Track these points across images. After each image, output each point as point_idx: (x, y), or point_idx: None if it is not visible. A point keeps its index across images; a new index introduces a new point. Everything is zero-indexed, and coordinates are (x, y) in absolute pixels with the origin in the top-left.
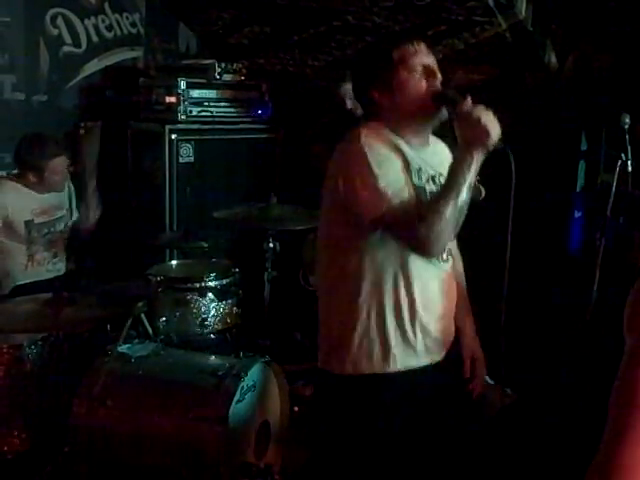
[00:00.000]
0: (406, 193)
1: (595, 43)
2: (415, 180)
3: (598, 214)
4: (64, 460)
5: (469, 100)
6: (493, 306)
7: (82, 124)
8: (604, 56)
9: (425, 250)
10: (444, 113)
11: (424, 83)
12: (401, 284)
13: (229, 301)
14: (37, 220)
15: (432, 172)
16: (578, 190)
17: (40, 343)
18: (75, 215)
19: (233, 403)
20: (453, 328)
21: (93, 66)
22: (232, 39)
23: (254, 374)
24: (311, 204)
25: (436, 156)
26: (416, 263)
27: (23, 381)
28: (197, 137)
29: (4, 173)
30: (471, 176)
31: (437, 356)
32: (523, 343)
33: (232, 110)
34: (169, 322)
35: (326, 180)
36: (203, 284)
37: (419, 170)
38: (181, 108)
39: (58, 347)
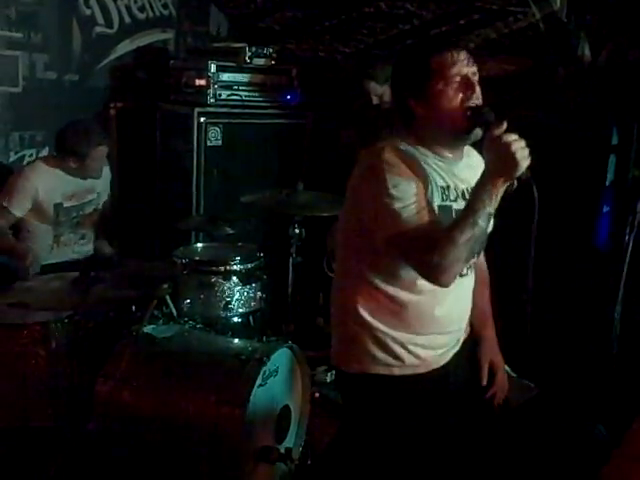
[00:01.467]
0: (421, 218)
1: (630, 36)
2: (438, 200)
3: (627, 209)
4: (86, 437)
5: (504, 125)
6: (519, 299)
7: (112, 104)
8: (639, 49)
9: (434, 279)
10: (478, 132)
11: (460, 96)
12: (413, 294)
13: (253, 285)
14: (66, 204)
15: (462, 187)
16: (607, 185)
17: (66, 321)
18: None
19: (255, 387)
20: (466, 328)
21: (124, 47)
22: (263, 23)
23: (277, 359)
24: (338, 191)
25: (470, 169)
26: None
27: (48, 358)
28: (226, 121)
29: (34, 151)
30: (492, 206)
31: (447, 356)
32: (548, 337)
33: (261, 94)
34: (193, 304)
35: (348, 187)
36: (228, 268)
37: (447, 188)
38: (211, 91)
39: (83, 326)
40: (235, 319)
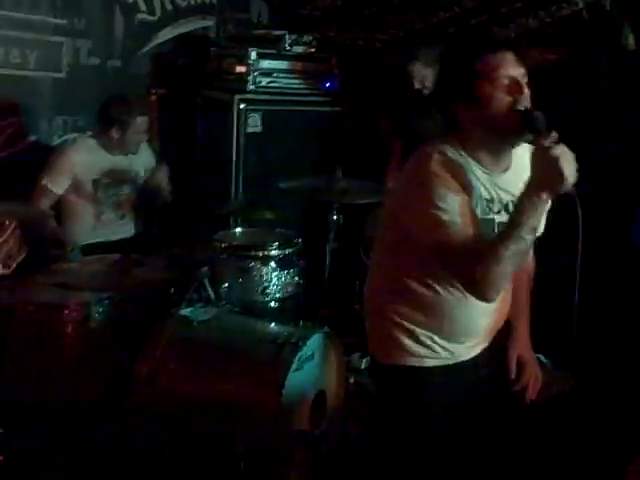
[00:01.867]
0: (467, 231)
1: None
2: (481, 213)
3: None
4: (124, 418)
5: (554, 135)
6: (564, 297)
7: (154, 91)
8: None
9: (479, 294)
10: (528, 136)
11: (509, 98)
12: (447, 293)
13: (291, 270)
14: (104, 180)
15: (507, 199)
16: None
17: (106, 302)
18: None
19: (290, 371)
20: (498, 327)
21: (166, 34)
22: (304, 10)
23: (312, 344)
24: (375, 178)
25: (516, 176)
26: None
27: (88, 338)
28: (265, 107)
29: (77, 135)
30: (536, 218)
31: (479, 348)
32: (593, 336)
33: (301, 82)
34: (231, 288)
35: (397, 185)
36: (266, 253)
37: (490, 200)
38: (251, 78)
39: (123, 307)
40: (272, 304)
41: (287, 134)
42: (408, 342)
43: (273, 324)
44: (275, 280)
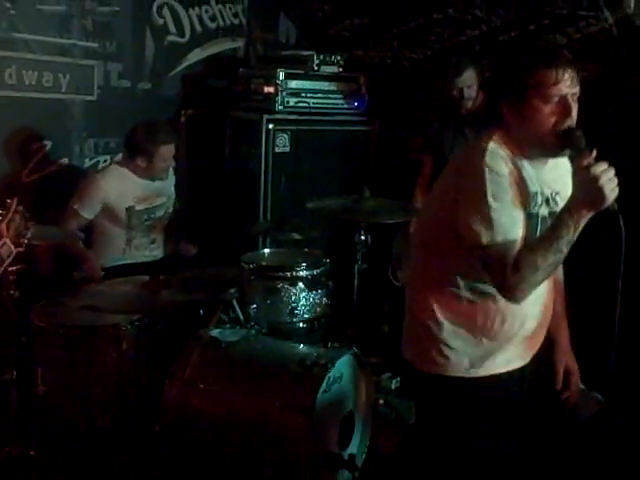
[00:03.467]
0: (514, 232)
1: None
2: (528, 207)
3: None
4: (153, 438)
5: (593, 154)
6: (605, 309)
7: (183, 112)
8: None
9: (510, 297)
10: (567, 152)
11: (554, 118)
12: (490, 298)
13: (319, 291)
14: (138, 207)
15: (548, 192)
16: None
17: (136, 324)
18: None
19: (319, 393)
20: (542, 336)
21: (195, 55)
22: (331, 30)
23: (341, 365)
24: (404, 197)
25: (555, 170)
26: None
27: (118, 360)
28: (294, 127)
29: (108, 157)
30: (575, 233)
31: (521, 362)
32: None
33: (329, 101)
34: (260, 309)
35: (442, 182)
36: (294, 273)
37: (535, 194)
38: (279, 98)
39: (152, 329)
40: (300, 325)
41: (315, 154)
42: (451, 353)
43: (301, 345)
44: (303, 301)
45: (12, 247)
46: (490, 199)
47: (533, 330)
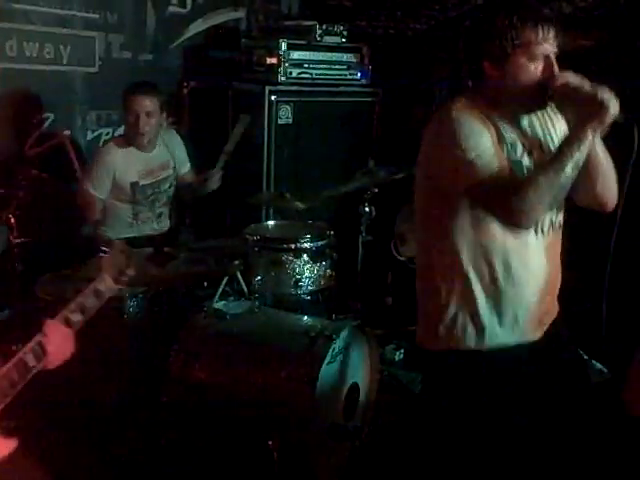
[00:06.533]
0: (497, 164)
1: None
2: (509, 154)
3: None
4: (159, 410)
5: (567, 74)
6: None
7: (185, 83)
8: None
9: (515, 222)
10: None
11: (539, 73)
12: (497, 261)
13: (323, 263)
14: (142, 182)
15: (527, 143)
16: None
17: (141, 296)
18: (184, 170)
19: (324, 364)
20: (556, 307)
21: (197, 26)
22: (334, 1)
23: (345, 337)
24: (409, 167)
25: (534, 125)
26: (514, 238)
27: (123, 332)
28: (296, 99)
29: (110, 130)
30: (581, 153)
31: (534, 334)
32: (626, 319)
33: (332, 72)
34: (264, 281)
35: (420, 152)
36: (298, 245)
37: (513, 144)
38: (281, 69)
39: (157, 301)
40: (305, 297)
41: (318, 125)
42: (466, 324)
43: (306, 317)
44: (308, 273)
45: (112, 284)
46: (463, 142)
47: (540, 297)
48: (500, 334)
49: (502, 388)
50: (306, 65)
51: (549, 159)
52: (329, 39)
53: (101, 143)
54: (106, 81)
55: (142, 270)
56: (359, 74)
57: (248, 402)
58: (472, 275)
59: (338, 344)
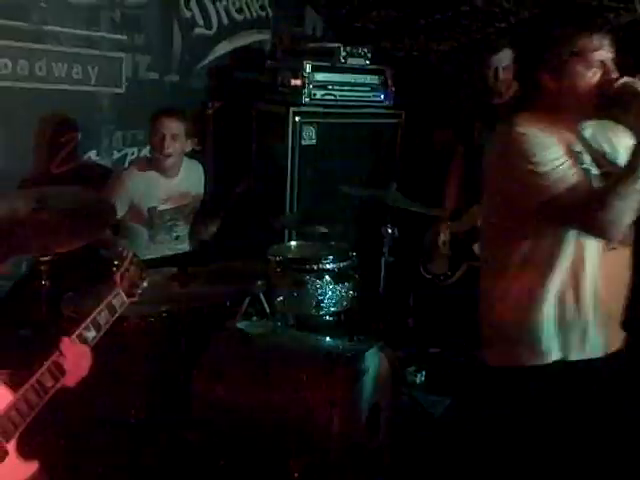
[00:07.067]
0: (572, 177)
1: None
2: (580, 164)
3: None
4: (181, 428)
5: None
6: None
7: (210, 104)
8: None
9: (604, 233)
10: (612, 113)
11: (596, 80)
12: (568, 274)
13: (346, 284)
14: (161, 207)
15: (593, 153)
16: None
17: (164, 315)
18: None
19: (345, 386)
20: (619, 330)
21: (223, 48)
22: (358, 22)
23: (367, 358)
24: (432, 190)
25: (599, 134)
26: (584, 252)
27: (147, 351)
28: (320, 120)
29: (136, 150)
30: None
31: (604, 349)
32: None
33: (355, 94)
34: (286, 302)
35: (486, 172)
36: (321, 266)
37: (580, 153)
38: (305, 91)
39: (181, 320)
40: (327, 317)
41: (342, 147)
42: (528, 339)
43: (328, 338)
44: (330, 294)
45: (125, 298)
46: (534, 157)
47: (606, 316)
48: (568, 349)
49: (566, 405)
50: (330, 86)
51: (624, 167)
52: (353, 61)
53: (127, 163)
54: (133, 102)
55: (165, 289)
56: (382, 96)
57: (269, 422)
58: (539, 290)
59: (359, 366)
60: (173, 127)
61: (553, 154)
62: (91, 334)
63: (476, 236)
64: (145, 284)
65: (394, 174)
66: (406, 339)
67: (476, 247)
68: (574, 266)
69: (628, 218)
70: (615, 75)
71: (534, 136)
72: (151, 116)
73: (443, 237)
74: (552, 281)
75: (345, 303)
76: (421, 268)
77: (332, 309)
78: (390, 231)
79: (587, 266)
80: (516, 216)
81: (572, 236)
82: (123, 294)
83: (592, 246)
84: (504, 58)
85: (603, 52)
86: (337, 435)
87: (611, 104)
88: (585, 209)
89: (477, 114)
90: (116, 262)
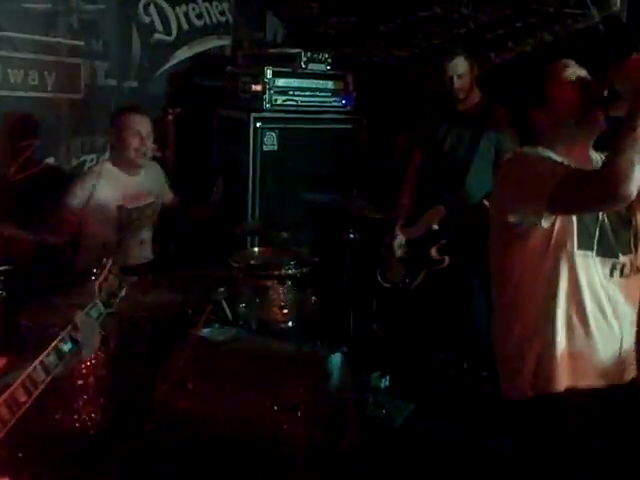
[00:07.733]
0: (567, 166)
1: None
2: None
3: None
4: (144, 439)
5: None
6: None
7: (170, 110)
8: None
9: (614, 191)
10: (601, 123)
11: (577, 93)
12: (574, 300)
13: (308, 290)
14: (129, 205)
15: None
16: None
17: (125, 324)
18: (167, 198)
19: (309, 391)
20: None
21: (182, 53)
22: (319, 28)
23: (331, 363)
24: (392, 195)
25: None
26: (598, 282)
27: (107, 360)
28: (281, 126)
29: (95, 156)
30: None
31: (621, 376)
32: None
33: (316, 99)
34: (249, 308)
35: (493, 196)
36: (283, 272)
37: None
38: (266, 96)
39: (141, 329)
40: (289, 323)
41: (303, 152)
42: (543, 368)
43: (291, 344)
44: (292, 299)
45: (102, 308)
46: (530, 165)
47: (623, 343)
48: (584, 376)
49: (591, 435)
50: (291, 92)
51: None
52: (314, 66)
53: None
54: (91, 108)
55: (126, 297)
56: (343, 101)
57: (234, 430)
58: (549, 317)
59: (323, 370)
60: (146, 125)
61: (548, 158)
62: (67, 347)
63: (432, 240)
64: (123, 293)
65: (355, 179)
66: (370, 344)
67: (433, 252)
68: (573, 292)
69: (633, 178)
70: (594, 86)
71: (530, 155)
72: (115, 112)
73: (399, 240)
74: (556, 310)
75: (308, 309)
76: (379, 278)
77: (295, 315)
78: (352, 236)
79: (585, 292)
80: (515, 247)
81: (565, 261)
82: (100, 304)
83: (591, 271)
84: (458, 66)
85: (573, 69)
86: (302, 440)
87: (604, 103)
88: (589, 177)
89: (441, 120)
90: (94, 271)
